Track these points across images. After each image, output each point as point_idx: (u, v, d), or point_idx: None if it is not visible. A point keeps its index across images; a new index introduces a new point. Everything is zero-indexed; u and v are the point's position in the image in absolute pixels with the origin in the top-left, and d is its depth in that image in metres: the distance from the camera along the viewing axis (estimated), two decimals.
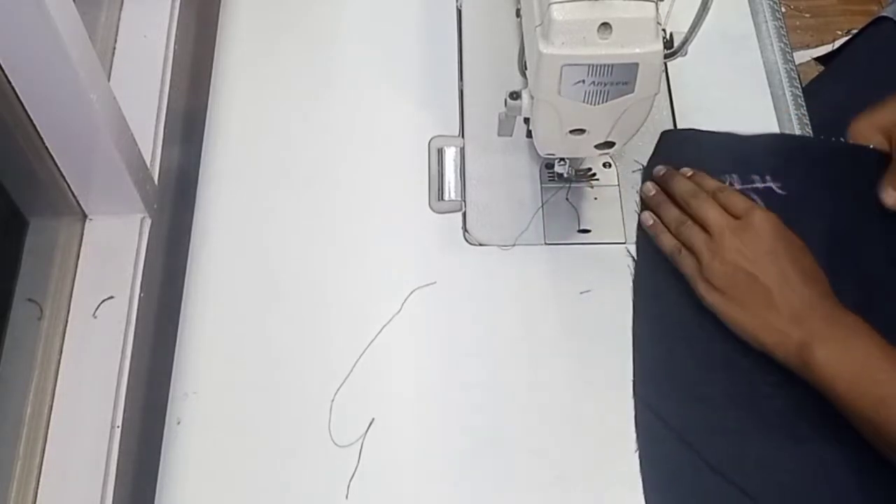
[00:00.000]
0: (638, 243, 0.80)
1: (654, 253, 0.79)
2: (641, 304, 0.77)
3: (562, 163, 0.81)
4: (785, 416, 0.72)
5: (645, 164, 0.83)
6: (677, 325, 0.76)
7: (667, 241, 0.77)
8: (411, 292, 0.78)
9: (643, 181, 0.82)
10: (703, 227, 0.75)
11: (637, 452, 0.71)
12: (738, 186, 0.81)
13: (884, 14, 0.94)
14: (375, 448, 0.72)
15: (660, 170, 0.81)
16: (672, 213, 0.78)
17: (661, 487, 0.70)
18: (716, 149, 0.83)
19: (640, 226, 0.80)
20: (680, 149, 0.83)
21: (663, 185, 0.80)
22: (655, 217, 0.79)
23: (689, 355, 0.75)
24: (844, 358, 0.68)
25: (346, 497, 0.71)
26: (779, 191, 0.81)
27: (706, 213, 0.75)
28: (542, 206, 0.82)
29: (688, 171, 0.80)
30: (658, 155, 0.83)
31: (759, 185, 0.81)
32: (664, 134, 0.84)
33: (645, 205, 0.81)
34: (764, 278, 0.72)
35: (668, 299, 0.77)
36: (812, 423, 0.71)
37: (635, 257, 0.79)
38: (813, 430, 0.71)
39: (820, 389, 0.69)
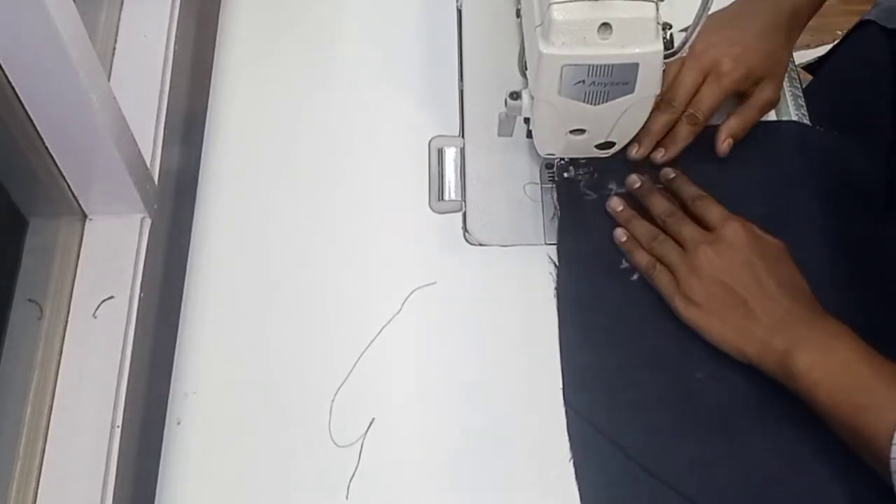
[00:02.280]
0: (559, 248, 0.79)
1: (575, 258, 0.78)
2: (565, 311, 0.76)
3: (561, 162, 0.81)
4: (715, 413, 0.72)
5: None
6: (602, 330, 0.75)
7: (641, 258, 0.76)
8: (411, 292, 0.78)
9: (557, 183, 0.81)
10: (677, 242, 0.75)
11: (571, 461, 0.71)
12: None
13: (868, 17, 0.93)
14: (375, 448, 0.72)
15: (634, 181, 0.80)
16: (644, 229, 0.77)
17: (598, 495, 0.70)
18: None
19: (560, 229, 0.80)
20: None
21: (639, 199, 0.79)
22: (628, 234, 0.78)
23: (615, 359, 0.74)
24: (825, 365, 0.67)
25: (346, 497, 0.71)
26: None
27: (680, 229, 0.75)
28: (542, 206, 0.82)
29: (670, 173, 0.80)
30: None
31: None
32: None
33: (573, 213, 0.80)
34: (741, 290, 0.71)
35: (591, 305, 0.76)
36: (744, 417, 0.71)
37: (557, 263, 0.79)
38: (745, 424, 0.71)
39: (803, 398, 0.68)
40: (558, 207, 0.81)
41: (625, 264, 0.78)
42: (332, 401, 0.74)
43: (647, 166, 0.81)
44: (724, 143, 0.81)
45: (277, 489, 0.71)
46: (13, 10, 0.57)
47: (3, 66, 0.61)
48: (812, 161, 0.83)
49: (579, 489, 0.70)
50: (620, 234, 0.78)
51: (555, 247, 0.80)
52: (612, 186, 0.81)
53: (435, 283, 0.78)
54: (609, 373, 0.74)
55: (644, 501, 0.70)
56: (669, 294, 0.74)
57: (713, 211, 0.76)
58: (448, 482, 0.71)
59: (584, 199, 0.81)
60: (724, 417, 0.72)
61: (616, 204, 0.80)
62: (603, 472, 0.70)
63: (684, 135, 0.80)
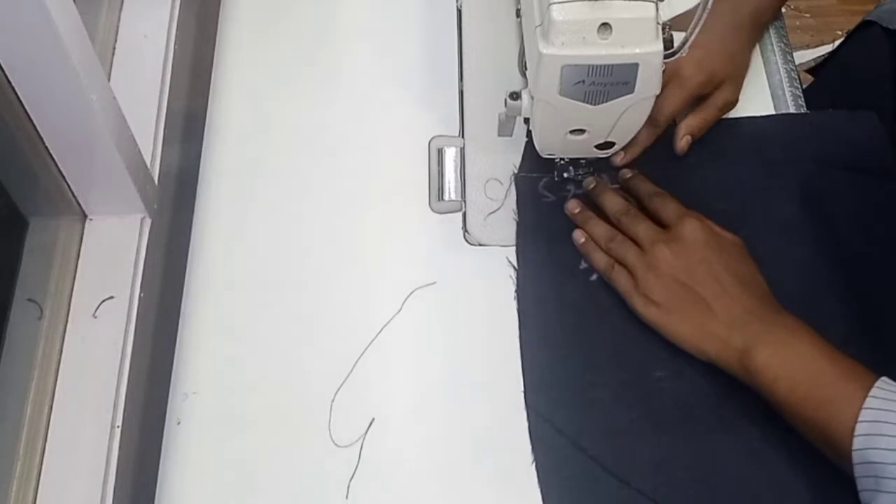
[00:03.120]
0: (518, 250, 0.79)
1: (535, 261, 0.78)
2: (525, 312, 0.76)
3: (561, 162, 0.81)
4: (674, 412, 0.72)
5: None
6: (561, 331, 0.75)
7: (599, 259, 0.76)
8: (411, 292, 0.78)
9: (516, 185, 0.81)
10: (635, 241, 0.75)
11: (533, 464, 0.71)
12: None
13: (869, 18, 0.93)
14: (375, 448, 0.72)
15: (590, 182, 0.80)
16: (600, 230, 0.77)
17: (561, 497, 0.69)
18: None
19: (519, 232, 0.79)
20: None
21: (593, 199, 0.79)
22: (586, 235, 0.78)
23: (575, 360, 0.74)
24: (785, 360, 0.67)
25: (346, 497, 0.71)
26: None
27: (636, 227, 0.75)
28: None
29: (627, 174, 0.80)
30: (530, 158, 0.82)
31: None
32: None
33: (532, 216, 0.80)
34: (699, 288, 0.71)
35: (551, 306, 0.76)
36: (704, 416, 0.71)
37: (517, 266, 0.78)
38: (705, 423, 0.71)
39: (764, 395, 0.68)
40: (516, 210, 0.81)
41: (584, 265, 0.78)
42: (332, 401, 0.74)
43: (608, 168, 0.81)
44: (682, 141, 0.81)
45: (277, 489, 0.71)
46: (13, 10, 0.57)
47: (3, 66, 0.61)
48: (775, 154, 0.82)
49: (541, 491, 0.70)
50: (578, 236, 0.78)
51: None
52: (570, 188, 0.81)
53: (435, 283, 0.78)
54: (568, 374, 0.74)
55: (605, 502, 0.69)
56: (628, 294, 0.74)
57: (670, 207, 0.76)
58: (448, 482, 0.71)
59: (542, 202, 0.81)
60: (684, 416, 0.72)
61: (573, 206, 0.79)
62: (564, 473, 0.70)
63: (643, 137, 0.80)
